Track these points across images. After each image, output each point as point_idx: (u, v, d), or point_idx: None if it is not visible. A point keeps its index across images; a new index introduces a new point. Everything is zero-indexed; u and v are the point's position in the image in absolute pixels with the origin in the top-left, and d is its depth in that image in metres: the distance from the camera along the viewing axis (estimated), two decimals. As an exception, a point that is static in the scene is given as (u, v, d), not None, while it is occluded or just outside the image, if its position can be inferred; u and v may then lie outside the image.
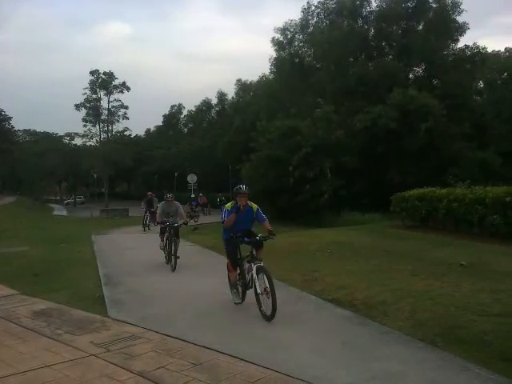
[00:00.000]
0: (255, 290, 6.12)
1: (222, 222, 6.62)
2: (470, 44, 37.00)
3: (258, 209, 6.64)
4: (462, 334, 5.13)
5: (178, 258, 9.90)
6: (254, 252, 6.40)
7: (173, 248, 10.01)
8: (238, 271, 6.69)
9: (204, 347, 4.91)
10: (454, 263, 9.11)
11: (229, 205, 6.68)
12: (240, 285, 6.69)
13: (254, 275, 6.13)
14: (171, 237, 10.28)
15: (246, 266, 6.50)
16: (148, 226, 20.36)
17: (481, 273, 8.20)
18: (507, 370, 4.20)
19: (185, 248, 14.06)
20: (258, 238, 6.42)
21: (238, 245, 6.61)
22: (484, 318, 5.55)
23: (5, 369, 4.31)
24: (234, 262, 6.66)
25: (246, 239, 6.40)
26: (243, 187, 6.52)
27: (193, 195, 34.58)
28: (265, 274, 5.96)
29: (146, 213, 20.59)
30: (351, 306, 6.51)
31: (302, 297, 7.22)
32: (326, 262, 10.14)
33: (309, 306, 6.71)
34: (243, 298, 6.65)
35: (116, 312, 6.50)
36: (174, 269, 9.77)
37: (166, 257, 10.62)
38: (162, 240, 11.01)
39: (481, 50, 36.82)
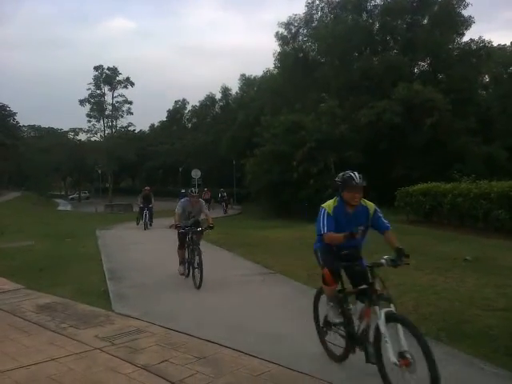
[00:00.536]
0: (379, 354, 3.68)
1: (321, 235, 4.17)
2: (476, 38, 36.78)
3: (375, 210, 4.25)
4: (466, 328, 5.11)
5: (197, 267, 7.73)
6: (378, 285, 3.80)
7: (196, 259, 7.79)
8: (340, 295, 4.29)
9: (208, 341, 4.92)
10: (458, 258, 9.09)
11: (330, 203, 4.23)
12: (343, 332, 4.23)
13: (382, 328, 3.56)
14: (193, 244, 8.10)
15: (359, 308, 4.04)
16: (147, 225, 18.81)
17: (485, 268, 8.17)
18: (512, 365, 4.19)
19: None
20: (383, 261, 3.85)
21: (339, 270, 4.20)
22: (489, 313, 5.53)
23: (10, 362, 4.34)
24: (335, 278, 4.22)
25: (363, 263, 4.03)
26: (357, 176, 4.05)
27: (183, 190, 28.32)
28: (403, 327, 3.46)
29: (143, 210, 19.10)
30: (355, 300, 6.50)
31: (307, 291, 7.18)
32: (330, 256, 10.11)
33: (313, 300, 6.68)
34: (346, 354, 4.20)
35: (120, 306, 6.53)
36: (199, 286, 7.52)
37: (184, 268, 8.51)
38: (183, 261, 8.52)
39: (486, 44, 36.52)
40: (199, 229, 8.22)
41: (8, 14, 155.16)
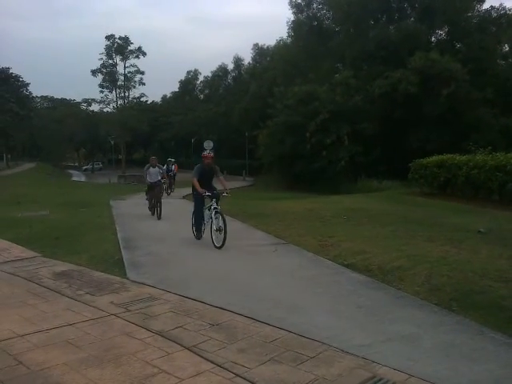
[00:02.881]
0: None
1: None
2: (497, 5, 35.69)
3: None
4: (478, 299, 5.12)
5: None
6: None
7: None
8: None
9: (221, 308, 4.99)
10: (472, 230, 9.05)
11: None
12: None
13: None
14: None
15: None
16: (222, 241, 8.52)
17: (499, 239, 8.12)
18: (523, 335, 4.20)
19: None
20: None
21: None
22: (501, 284, 5.53)
23: (29, 327, 4.45)
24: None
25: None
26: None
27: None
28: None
29: (202, 205, 9.03)
30: (367, 270, 6.53)
31: (318, 261, 7.26)
32: (342, 227, 10.14)
33: (324, 270, 6.74)
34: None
35: (135, 274, 6.61)
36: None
37: None
38: None
39: (507, 12, 35.46)
40: None
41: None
